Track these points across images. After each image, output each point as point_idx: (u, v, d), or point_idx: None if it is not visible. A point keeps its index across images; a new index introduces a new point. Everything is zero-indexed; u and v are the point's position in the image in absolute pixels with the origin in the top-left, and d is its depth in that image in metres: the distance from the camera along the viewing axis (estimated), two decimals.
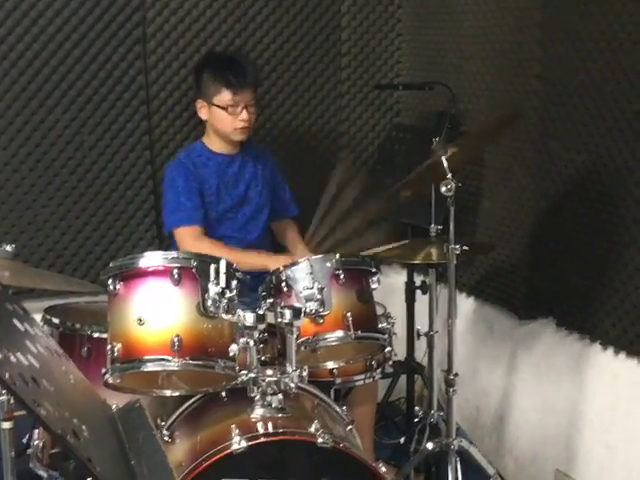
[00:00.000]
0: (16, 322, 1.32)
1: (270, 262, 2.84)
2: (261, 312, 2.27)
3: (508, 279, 3.29)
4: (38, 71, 3.28)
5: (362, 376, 2.79)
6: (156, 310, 2.29)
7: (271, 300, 2.44)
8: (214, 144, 3.17)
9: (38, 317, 2.74)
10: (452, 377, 2.71)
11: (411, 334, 3.46)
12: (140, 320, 2.27)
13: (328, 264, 2.45)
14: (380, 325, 2.53)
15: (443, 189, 2.60)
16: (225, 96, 3.03)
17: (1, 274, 2.44)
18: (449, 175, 2.58)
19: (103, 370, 2.32)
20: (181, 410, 2.49)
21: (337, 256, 2.46)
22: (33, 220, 3.35)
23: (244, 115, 3.04)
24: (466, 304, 3.55)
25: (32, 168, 3.33)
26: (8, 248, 2.52)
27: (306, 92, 3.74)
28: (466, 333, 3.53)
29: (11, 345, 1.22)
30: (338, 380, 2.74)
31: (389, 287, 3.36)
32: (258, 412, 2.29)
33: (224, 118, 3.05)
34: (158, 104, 3.50)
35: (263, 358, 2.38)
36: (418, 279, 3.40)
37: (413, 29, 3.78)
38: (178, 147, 3.51)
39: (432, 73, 3.58)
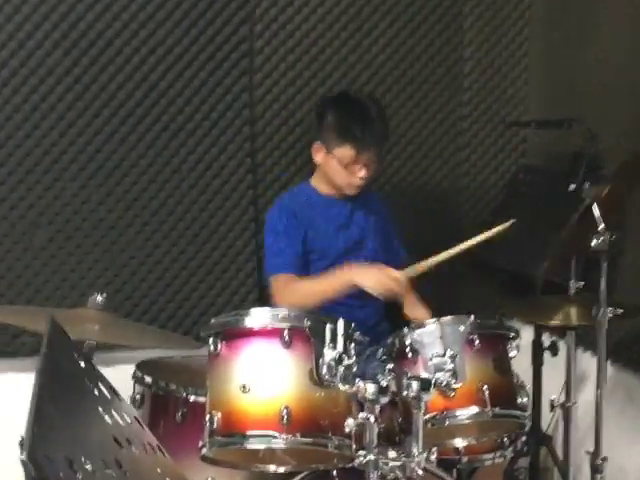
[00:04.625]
0: (102, 412, 1.03)
1: (354, 274, 2.59)
2: (384, 383, 1.93)
3: None
4: (137, 107, 3.03)
5: (492, 455, 2.42)
6: (263, 376, 1.99)
7: (392, 366, 2.11)
8: (323, 187, 2.88)
9: (129, 372, 2.49)
10: (600, 462, 2.33)
11: (537, 400, 3.07)
12: (244, 387, 1.98)
13: (461, 327, 2.11)
14: (519, 400, 2.17)
15: (594, 242, 2.24)
16: (347, 152, 2.73)
17: (90, 327, 2.18)
18: (602, 226, 2.22)
19: (200, 443, 2.03)
20: None
21: (472, 318, 2.12)
22: (124, 269, 3.09)
23: (363, 173, 2.75)
24: (590, 363, 3.14)
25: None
26: (99, 298, 2.26)
27: (424, 129, 3.43)
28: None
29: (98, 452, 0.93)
30: (464, 459, 2.38)
31: None
32: None
33: (340, 172, 2.76)
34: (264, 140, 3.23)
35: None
36: (546, 338, 3.02)
37: (543, 56, 3.42)
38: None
39: (563, 109, 3.22)
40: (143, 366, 2.50)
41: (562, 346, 2.92)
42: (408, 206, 3.38)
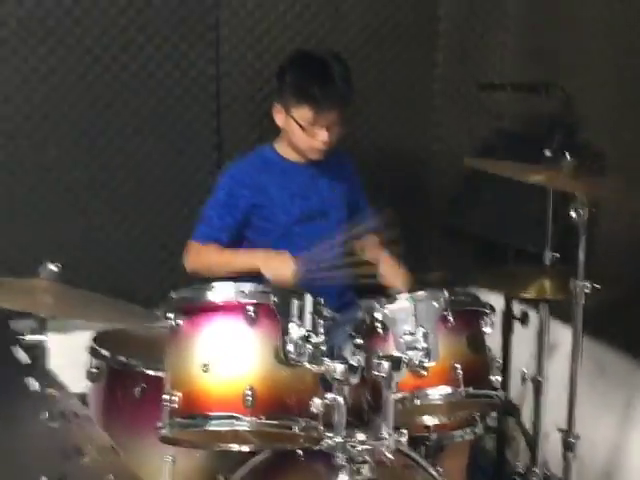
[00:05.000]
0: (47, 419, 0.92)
1: (259, 260, 2.48)
2: (354, 363, 1.84)
3: (628, 312, 2.80)
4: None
5: (462, 432, 2.34)
6: (225, 355, 1.89)
7: (361, 342, 2.01)
8: (286, 151, 2.74)
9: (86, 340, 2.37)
10: (573, 440, 2.26)
11: (506, 370, 3.00)
12: (205, 366, 1.87)
13: (435, 304, 2.01)
14: (493, 378, 2.08)
15: (573, 214, 2.15)
16: (305, 113, 2.58)
17: (43, 299, 2.05)
18: (582, 198, 2.13)
19: (159, 424, 1.92)
20: (248, 467, 2.08)
21: (446, 294, 2.03)
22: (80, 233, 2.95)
23: (324, 136, 2.60)
24: (569, 339, 3.08)
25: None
26: (53, 268, 2.12)
27: (396, 90, 3.31)
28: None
29: None
30: (434, 436, 2.30)
31: None
32: None
33: (300, 135, 2.62)
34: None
35: None
36: (516, 307, 2.95)
37: (521, 17, 3.30)
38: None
39: (539, 73, 3.11)
40: (100, 338, 2.38)
41: (533, 316, 2.86)
42: (377, 170, 3.26)
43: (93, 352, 2.33)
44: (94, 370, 2.32)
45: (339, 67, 2.65)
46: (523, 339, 2.93)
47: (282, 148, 2.75)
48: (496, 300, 2.96)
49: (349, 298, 2.80)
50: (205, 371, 1.87)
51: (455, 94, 3.36)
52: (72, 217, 2.94)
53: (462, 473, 2.69)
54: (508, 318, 2.99)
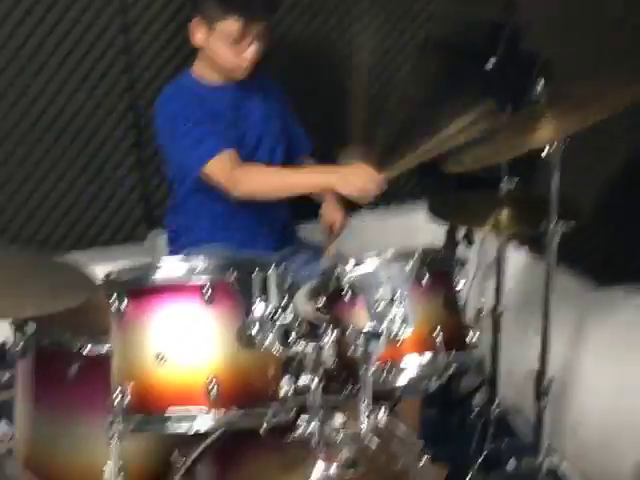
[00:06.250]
0: None
1: (334, 178, 2.29)
2: (327, 345, 1.64)
3: (579, 232, 2.68)
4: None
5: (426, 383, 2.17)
6: (182, 342, 1.65)
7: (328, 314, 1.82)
8: (209, 75, 2.46)
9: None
10: (546, 384, 2.14)
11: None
12: (160, 356, 1.64)
13: (408, 266, 1.81)
14: (470, 338, 1.91)
15: (545, 151, 1.97)
16: (232, 25, 2.30)
17: None
18: (556, 133, 1.94)
19: (108, 419, 1.69)
20: (204, 447, 1.88)
21: (420, 252, 1.83)
22: None
23: (252, 51, 2.35)
24: (517, 259, 2.94)
25: None
26: None
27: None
28: (518, 293, 2.94)
29: None
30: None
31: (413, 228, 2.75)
32: (322, 470, 1.68)
33: (226, 51, 2.35)
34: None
35: None
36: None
37: None
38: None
39: None
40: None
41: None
42: (302, 85, 2.98)
43: (16, 326, 2.04)
44: (19, 348, 2.04)
45: None
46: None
47: (203, 72, 2.47)
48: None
49: (290, 230, 2.62)
50: (160, 361, 1.64)
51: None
52: None
53: (417, 411, 2.59)
54: (452, 241, 2.82)
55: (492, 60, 2.61)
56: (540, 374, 2.15)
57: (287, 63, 2.93)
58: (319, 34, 3.06)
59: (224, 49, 2.36)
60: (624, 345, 2.59)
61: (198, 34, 2.39)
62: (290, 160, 2.64)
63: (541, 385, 2.15)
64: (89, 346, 1.92)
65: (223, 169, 2.32)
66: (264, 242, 2.51)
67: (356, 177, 2.25)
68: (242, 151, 2.46)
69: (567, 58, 2.61)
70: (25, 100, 2.68)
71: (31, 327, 2.02)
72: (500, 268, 2.49)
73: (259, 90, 2.54)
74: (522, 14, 2.72)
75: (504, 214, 2.31)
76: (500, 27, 2.72)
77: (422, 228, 2.75)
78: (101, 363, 1.79)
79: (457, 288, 1.91)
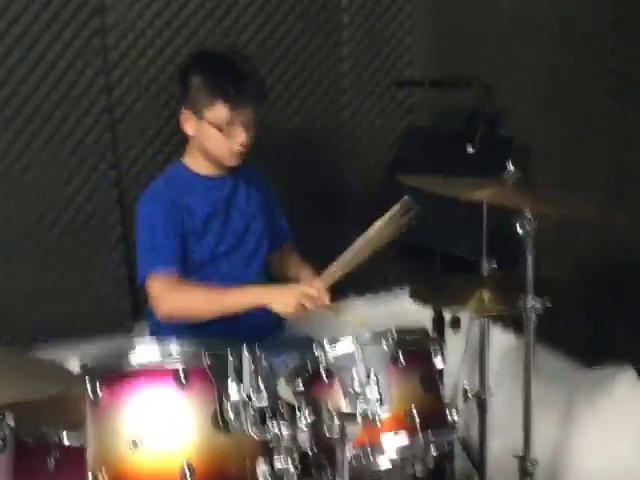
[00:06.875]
0: None
1: (267, 297, 2.29)
2: (304, 428, 1.63)
3: (567, 313, 2.67)
4: None
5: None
6: (156, 428, 1.64)
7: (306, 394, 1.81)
8: (200, 165, 2.50)
9: None
10: (530, 465, 2.11)
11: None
12: (134, 443, 1.63)
13: (384, 346, 1.82)
14: (450, 418, 1.90)
15: (520, 229, 1.98)
16: (221, 111, 2.36)
17: None
18: (528, 213, 1.97)
19: None
20: None
21: (393, 333, 1.84)
22: None
23: (243, 138, 2.38)
24: (503, 340, 2.93)
25: None
26: None
27: (302, 89, 3.09)
28: (505, 375, 2.91)
29: None
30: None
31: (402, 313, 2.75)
32: None
33: (217, 139, 2.39)
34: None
35: None
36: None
37: (430, 10, 3.12)
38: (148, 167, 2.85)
39: (451, 67, 2.95)
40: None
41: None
42: (287, 173, 3.02)
43: None
44: None
45: (246, 63, 2.47)
46: (456, 346, 2.77)
47: (195, 163, 2.51)
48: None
49: (280, 330, 2.61)
50: (134, 448, 1.63)
51: (364, 90, 3.16)
52: None
53: None
54: (439, 324, 2.83)
55: (470, 147, 2.67)
56: (524, 457, 2.11)
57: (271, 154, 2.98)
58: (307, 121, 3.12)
59: (215, 136, 2.40)
60: (614, 426, 2.57)
61: (188, 124, 2.44)
62: (273, 248, 2.67)
63: (526, 468, 2.11)
64: (67, 436, 1.91)
65: (155, 290, 2.33)
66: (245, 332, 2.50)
67: (288, 295, 2.27)
68: (230, 240, 2.50)
69: (541, 143, 2.68)
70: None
71: (9, 419, 2.01)
72: (484, 350, 2.48)
73: (246, 180, 2.58)
74: (500, 102, 2.79)
75: (485, 295, 2.32)
76: (477, 114, 2.78)
77: (411, 312, 2.75)
78: (81, 453, 1.78)
79: (437, 367, 1.90)
